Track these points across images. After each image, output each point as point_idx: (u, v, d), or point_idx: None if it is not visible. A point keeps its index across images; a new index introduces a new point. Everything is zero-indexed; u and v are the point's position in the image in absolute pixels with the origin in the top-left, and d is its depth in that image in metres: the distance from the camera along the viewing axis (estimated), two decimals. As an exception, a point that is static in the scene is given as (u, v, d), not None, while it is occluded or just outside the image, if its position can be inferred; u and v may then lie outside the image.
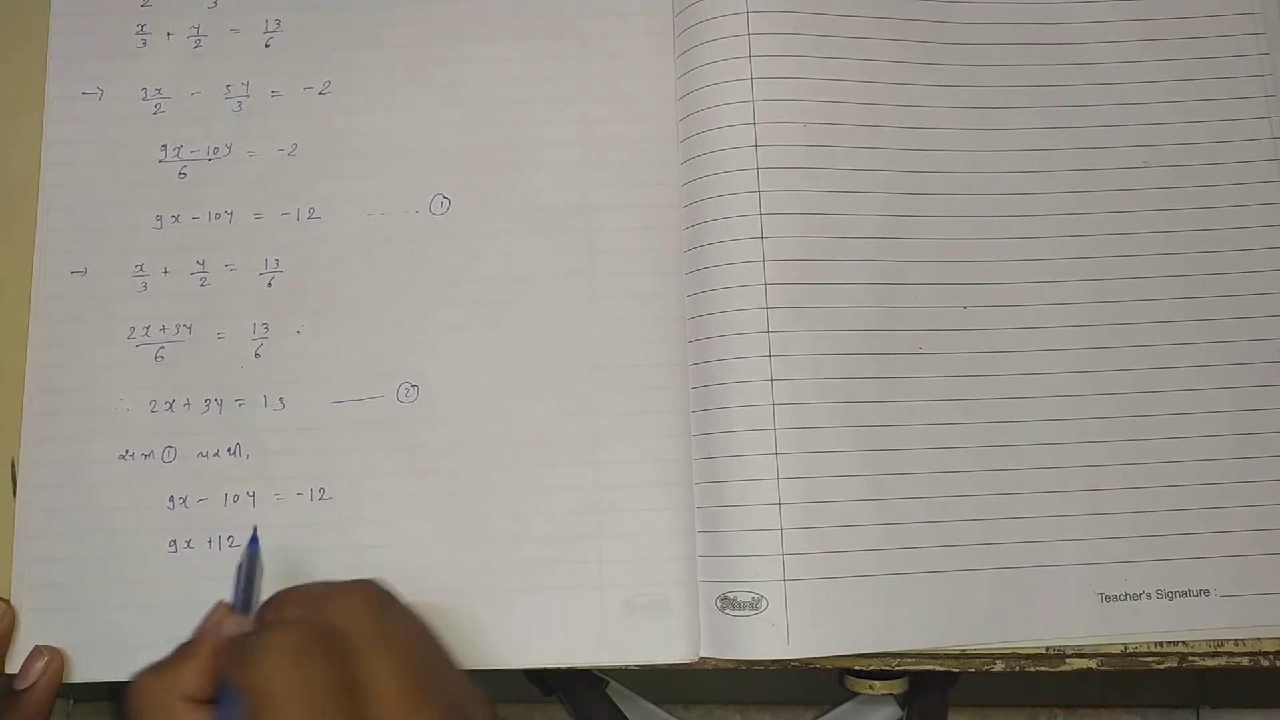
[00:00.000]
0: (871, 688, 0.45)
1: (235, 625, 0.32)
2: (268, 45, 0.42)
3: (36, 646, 0.37)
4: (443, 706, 0.30)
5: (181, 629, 0.33)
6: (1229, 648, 0.38)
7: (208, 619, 0.33)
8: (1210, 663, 0.38)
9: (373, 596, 0.31)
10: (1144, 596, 0.38)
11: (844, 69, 0.40)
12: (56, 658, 0.37)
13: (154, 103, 0.42)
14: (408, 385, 0.40)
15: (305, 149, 0.42)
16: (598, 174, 0.41)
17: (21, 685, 0.36)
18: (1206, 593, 0.38)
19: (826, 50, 0.40)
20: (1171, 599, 0.38)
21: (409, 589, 0.36)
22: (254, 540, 0.35)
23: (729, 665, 0.38)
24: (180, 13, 0.42)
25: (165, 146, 0.41)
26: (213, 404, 0.40)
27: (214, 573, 0.38)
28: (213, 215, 0.41)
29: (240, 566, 0.35)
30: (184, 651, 0.31)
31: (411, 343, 0.40)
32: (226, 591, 0.36)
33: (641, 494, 0.39)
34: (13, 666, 0.37)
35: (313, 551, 0.38)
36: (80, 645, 0.38)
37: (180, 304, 0.40)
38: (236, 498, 0.39)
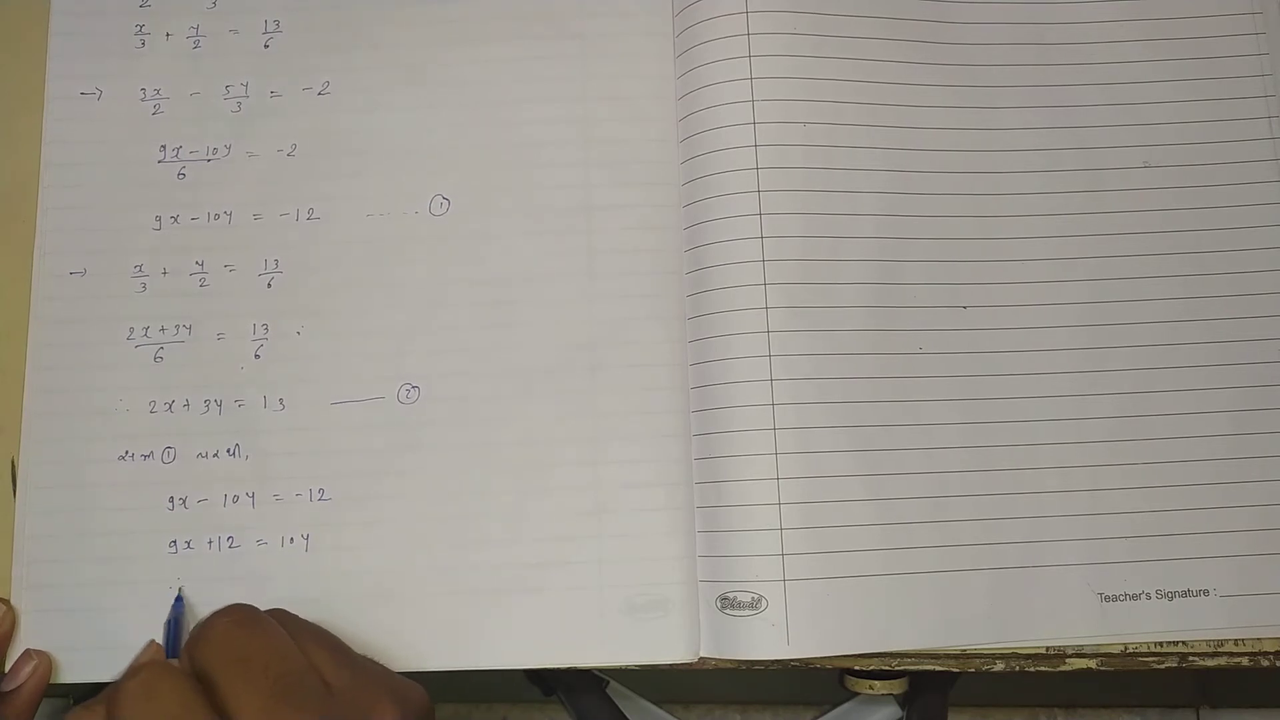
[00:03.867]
0: (871, 688, 0.45)
1: None
2: (267, 46, 0.42)
3: (27, 650, 0.37)
4: (313, 715, 0.30)
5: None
6: (1229, 648, 0.38)
7: (138, 658, 0.36)
8: (1210, 663, 0.38)
9: (229, 622, 0.33)
10: (1144, 596, 0.38)
11: (843, 69, 0.40)
12: (45, 661, 0.37)
13: (153, 103, 0.42)
14: (409, 386, 0.40)
15: (304, 149, 0.41)
16: (598, 174, 0.41)
17: (9, 686, 0.36)
18: (1206, 593, 0.38)
19: (826, 50, 0.40)
20: (1171, 599, 0.38)
21: (409, 589, 0.37)
22: (179, 600, 0.37)
23: (729, 665, 0.38)
24: (179, 13, 0.42)
25: (164, 147, 0.41)
26: (212, 404, 0.40)
27: (214, 573, 0.38)
28: (212, 215, 0.41)
29: (168, 623, 0.37)
30: (108, 691, 0.32)
31: (411, 343, 0.40)
32: (228, 594, 0.37)
33: (641, 494, 0.39)
34: (11, 667, 0.37)
35: (312, 552, 0.38)
36: (80, 646, 0.38)
37: (180, 304, 0.40)
38: (236, 498, 0.39)
